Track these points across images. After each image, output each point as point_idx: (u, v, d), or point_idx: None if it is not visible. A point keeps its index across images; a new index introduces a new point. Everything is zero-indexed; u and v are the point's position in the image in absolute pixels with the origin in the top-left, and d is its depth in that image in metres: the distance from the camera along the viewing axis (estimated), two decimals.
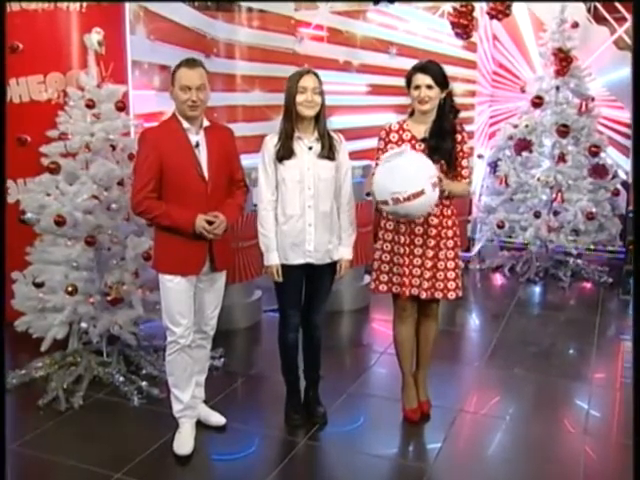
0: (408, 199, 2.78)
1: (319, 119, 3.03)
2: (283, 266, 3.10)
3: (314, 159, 3.03)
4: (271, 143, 3.05)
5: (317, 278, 3.18)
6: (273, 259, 3.08)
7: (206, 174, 2.95)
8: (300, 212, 3.04)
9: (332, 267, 3.18)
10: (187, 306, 3.01)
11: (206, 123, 2.98)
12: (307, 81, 2.96)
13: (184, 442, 3.08)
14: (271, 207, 3.07)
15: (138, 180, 2.91)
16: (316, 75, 3.01)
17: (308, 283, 3.20)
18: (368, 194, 4.78)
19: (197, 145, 2.94)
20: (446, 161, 3.07)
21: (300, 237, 3.06)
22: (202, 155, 2.95)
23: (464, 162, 3.13)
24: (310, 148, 3.03)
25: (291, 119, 3.00)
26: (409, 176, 2.82)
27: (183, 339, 3.02)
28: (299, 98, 2.96)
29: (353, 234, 3.20)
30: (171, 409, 3.15)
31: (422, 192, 2.79)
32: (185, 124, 2.92)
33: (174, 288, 2.96)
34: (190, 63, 2.90)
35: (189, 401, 3.13)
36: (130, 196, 2.99)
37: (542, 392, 3.76)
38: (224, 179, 3.04)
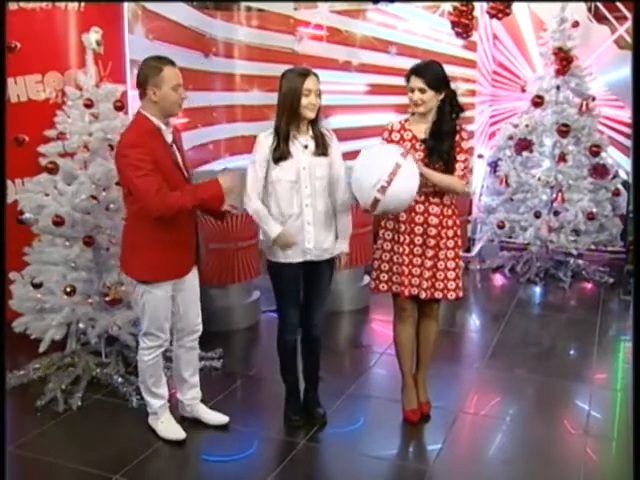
0: (391, 180, 2.75)
1: (316, 119, 3.02)
2: (281, 265, 3.08)
3: (309, 157, 3.01)
4: (266, 142, 3.01)
5: (316, 275, 3.16)
6: (276, 227, 3.00)
7: (185, 173, 2.97)
8: (298, 211, 3.03)
9: (330, 263, 3.18)
10: (170, 309, 3.03)
11: (172, 122, 2.99)
12: (311, 83, 2.93)
13: (175, 428, 3.13)
14: (254, 196, 3.03)
15: (149, 181, 2.74)
16: (316, 76, 2.99)
17: (307, 281, 3.18)
18: None
19: (171, 145, 2.93)
20: (444, 162, 3.04)
21: (299, 236, 3.04)
22: (177, 154, 2.95)
23: (459, 156, 3.08)
24: (306, 147, 3.01)
25: (292, 120, 2.96)
26: (377, 162, 2.82)
27: (167, 342, 3.09)
28: (304, 101, 2.92)
29: (349, 227, 3.21)
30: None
31: (398, 166, 2.77)
32: (161, 125, 2.88)
33: (164, 295, 2.96)
34: (170, 61, 2.88)
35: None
36: (147, 201, 2.77)
37: (543, 393, 3.75)
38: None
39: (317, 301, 3.22)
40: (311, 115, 2.96)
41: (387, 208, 2.92)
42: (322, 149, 3.03)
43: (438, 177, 3.02)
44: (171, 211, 2.81)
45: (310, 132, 3.03)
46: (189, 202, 2.81)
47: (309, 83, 2.92)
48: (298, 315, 3.20)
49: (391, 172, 2.75)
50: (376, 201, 2.81)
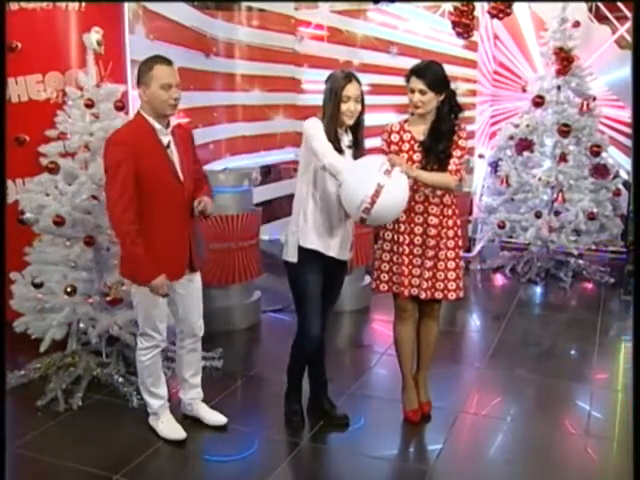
0: (373, 202, 2.71)
1: (357, 123, 2.97)
2: (308, 257, 2.99)
3: (350, 159, 2.97)
4: (322, 126, 2.90)
5: (333, 278, 3.12)
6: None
7: (181, 176, 2.92)
8: (337, 205, 2.97)
9: (343, 267, 3.17)
10: (165, 310, 3.03)
11: (172, 122, 2.95)
12: (351, 90, 2.88)
13: (176, 427, 3.13)
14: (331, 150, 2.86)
15: (118, 193, 2.76)
16: (359, 82, 2.93)
17: (323, 287, 3.11)
18: None
19: (168, 146, 2.90)
20: (440, 162, 3.03)
21: (330, 230, 2.99)
22: (174, 156, 2.92)
23: (454, 153, 3.05)
24: (349, 147, 2.99)
25: (334, 122, 2.90)
26: (360, 182, 2.75)
27: (164, 342, 3.08)
28: (343, 107, 2.88)
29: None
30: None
31: (380, 186, 2.71)
32: (156, 125, 2.85)
33: (156, 296, 2.93)
34: (166, 60, 2.84)
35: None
36: (112, 207, 2.81)
37: (543, 393, 3.75)
38: (193, 180, 3.02)
39: (330, 308, 3.21)
40: (349, 122, 2.92)
41: (375, 223, 2.97)
42: (358, 153, 2.98)
43: (430, 177, 3.00)
44: (115, 226, 2.83)
45: (350, 136, 3.00)
46: (131, 247, 2.80)
47: (349, 89, 2.87)
48: (320, 325, 3.09)
49: (373, 194, 2.70)
50: (362, 219, 2.80)
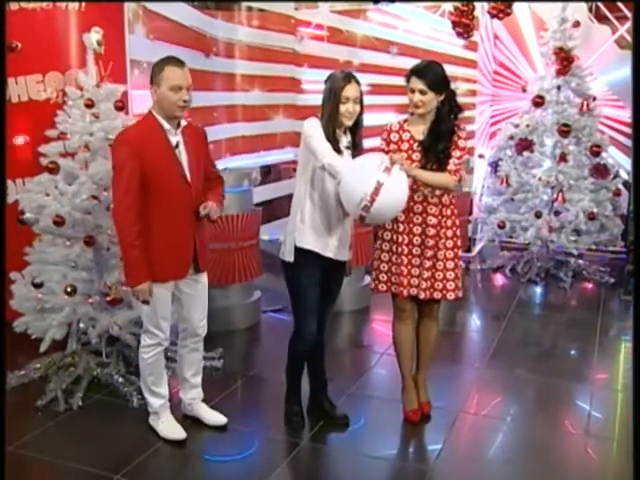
0: (373, 199, 2.70)
1: (356, 124, 2.96)
2: (305, 257, 2.98)
3: (348, 159, 2.97)
4: (320, 126, 2.90)
5: (331, 278, 3.12)
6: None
7: (188, 176, 2.92)
8: (335, 205, 2.97)
9: (342, 267, 3.16)
10: (169, 309, 3.04)
11: (183, 123, 2.95)
12: (350, 91, 2.87)
13: (176, 427, 3.13)
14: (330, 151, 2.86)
15: (122, 192, 2.81)
16: (358, 82, 2.93)
17: (322, 288, 3.11)
18: None
19: (177, 146, 2.91)
20: (439, 162, 3.03)
21: (327, 230, 2.99)
22: (182, 156, 2.92)
23: (454, 153, 3.04)
24: (348, 148, 2.99)
25: (332, 123, 2.90)
26: (359, 181, 2.75)
27: (167, 341, 3.08)
28: (341, 108, 2.87)
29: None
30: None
31: (379, 184, 2.70)
32: (165, 125, 2.87)
33: (157, 295, 2.93)
34: (178, 62, 2.85)
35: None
36: (117, 206, 2.86)
37: (543, 393, 3.75)
38: (202, 181, 3.02)
39: (329, 308, 3.21)
40: (348, 123, 2.92)
41: (374, 222, 2.98)
42: (356, 154, 2.98)
43: (429, 176, 3.00)
44: (116, 225, 2.86)
45: (349, 137, 2.99)
46: (128, 248, 2.83)
47: (348, 90, 2.87)
48: (316, 325, 3.10)
49: (373, 192, 2.70)
50: (362, 217, 2.79)
